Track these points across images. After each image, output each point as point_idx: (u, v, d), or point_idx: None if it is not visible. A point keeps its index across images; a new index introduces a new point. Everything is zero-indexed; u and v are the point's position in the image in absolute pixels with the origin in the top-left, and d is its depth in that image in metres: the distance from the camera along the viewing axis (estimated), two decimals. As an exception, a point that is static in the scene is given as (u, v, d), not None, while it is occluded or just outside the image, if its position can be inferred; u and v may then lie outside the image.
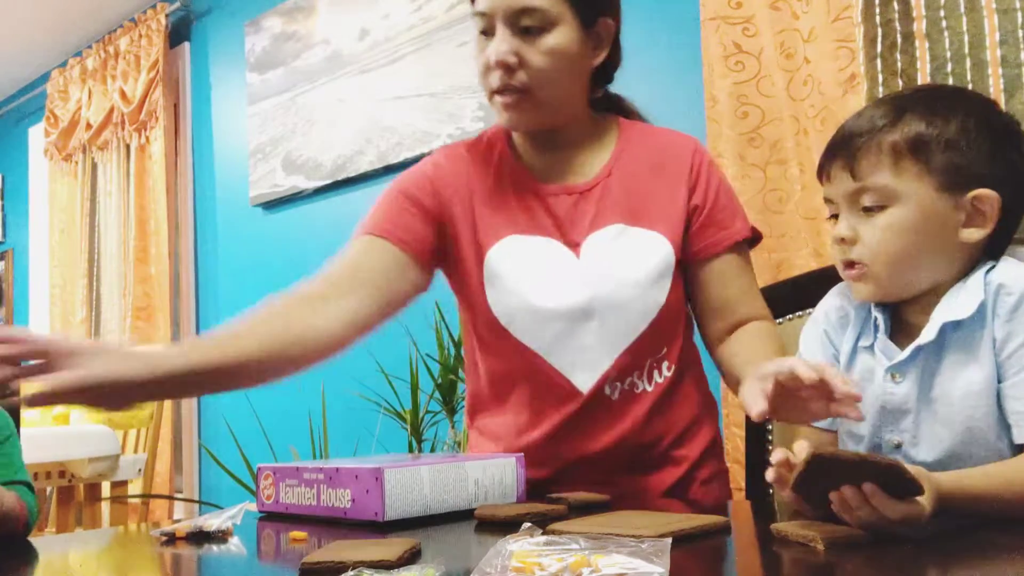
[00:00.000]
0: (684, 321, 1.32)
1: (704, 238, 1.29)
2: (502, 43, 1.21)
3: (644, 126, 1.37)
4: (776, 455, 0.87)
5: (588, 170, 1.31)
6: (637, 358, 1.26)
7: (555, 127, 1.30)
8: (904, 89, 1.10)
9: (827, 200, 1.07)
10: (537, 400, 1.28)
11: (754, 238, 1.33)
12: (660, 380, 1.28)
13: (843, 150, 1.03)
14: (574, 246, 1.28)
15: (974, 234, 1.00)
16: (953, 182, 0.99)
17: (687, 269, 1.31)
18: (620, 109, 1.40)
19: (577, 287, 1.25)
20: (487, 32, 1.23)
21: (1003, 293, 0.97)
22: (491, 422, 1.35)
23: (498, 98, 1.25)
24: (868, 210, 1.01)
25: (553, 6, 1.21)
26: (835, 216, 1.06)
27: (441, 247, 1.32)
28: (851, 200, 1.03)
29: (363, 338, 1.26)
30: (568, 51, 1.23)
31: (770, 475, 0.88)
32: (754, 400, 0.94)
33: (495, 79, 1.23)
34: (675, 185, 1.29)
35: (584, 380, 1.26)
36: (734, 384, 1.27)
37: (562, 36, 1.22)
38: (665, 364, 1.28)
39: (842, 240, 1.04)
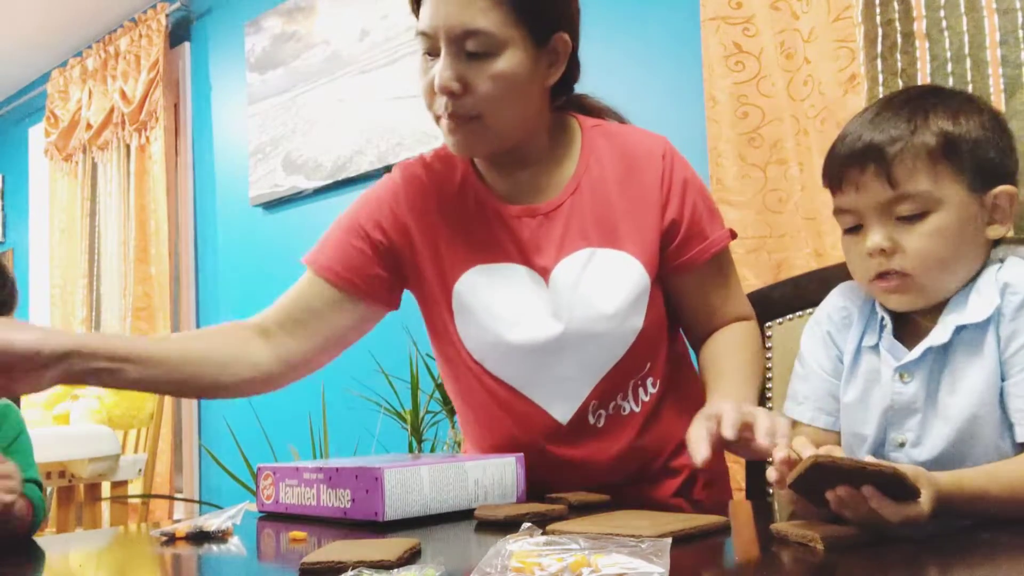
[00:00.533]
0: (667, 332, 1.28)
1: (685, 251, 1.24)
2: (446, 68, 1.12)
3: (608, 127, 1.29)
4: (778, 453, 0.87)
5: (553, 187, 1.25)
6: (617, 382, 1.22)
7: (511, 149, 1.22)
8: (904, 91, 1.08)
9: (844, 211, 1.03)
10: (519, 432, 1.24)
11: (731, 236, 1.28)
12: (647, 398, 1.24)
13: (873, 158, 0.99)
14: (543, 272, 1.22)
15: (998, 231, 1.00)
16: (981, 181, 0.99)
17: (668, 279, 1.26)
18: (583, 108, 1.33)
19: (549, 321, 1.20)
20: (431, 53, 1.15)
21: (1009, 292, 0.97)
22: (481, 447, 1.33)
23: (446, 124, 1.17)
24: (904, 218, 0.99)
25: (501, 29, 1.11)
26: (854, 229, 1.03)
27: (398, 277, 1.29)
28: (885, 209, 0.99)
29: (304, 375, 1.29)
30: (518, 75, 1.14)
31: (771, 474, 0.88)
32: (697, 446, 0.99)
33: (440, 105, 1.16)
34: (646, 197, 1.23)
35: (563, 411, 1.22)
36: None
37: (512, 59, 1.13)
38: (650, 380, 1.24)
39: (881, 251, 1.00)
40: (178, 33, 4.14)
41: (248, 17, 3.70)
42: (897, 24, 1.80)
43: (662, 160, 1.24)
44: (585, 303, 1.20)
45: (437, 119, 1.19)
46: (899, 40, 1.80)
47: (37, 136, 5.04)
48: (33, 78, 5.14)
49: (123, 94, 4.27)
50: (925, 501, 0.80)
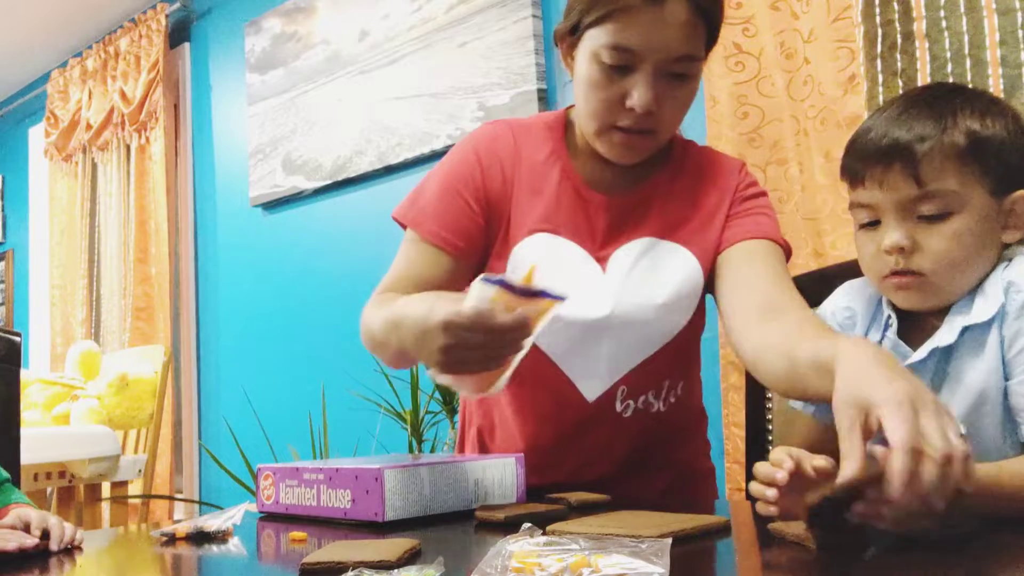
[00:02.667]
0: (699, 350, 1.34)
1: (727, 231, 1.25)
2: (649, 89, 1.14)
3: (695, 144, 1.35)
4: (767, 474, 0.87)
5: (636, 182, 1.28)
6: (649, 376, 1.26)
7: None
8: (926, 89, 1.07)
9: (861, 206, 1.02)
10: (542, 406, 1.28)
11: (786, 250, 1.27)
12: (673, 400, 1.30)
13: (901, 156, 0.97)
14: (603, 259, 1.25)
15: (1015, 235, 1.00)
16: (1003, 184, 0.98)
17: (713, 272, 1.25)
18: None
19: (598, 301, 1.23)
20: (621, 67, 1.15)
21: (1013, 291, 0.97)
22: (494, 428, 1.34)
23: (620, 135, 1.19)
24: (925, 218, 0.98)
25: (701, 53, 1.17)
26: (870, 224, 1.02)
27: (491, 227, 1.28)
28: (907, 207, 0.99)
29: None
30: (695, 94, 1.21)
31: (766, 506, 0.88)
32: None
33: (626, 119, 1.17)
34: (718, 204, 1.26)
35: (591, 389, 1.25)
36: (778, 381, 1.09)
37: (697, 80, 1.19)
38: (681, 384, 1.30)
39: (900, 249, 0.99)
40: (178, 33, 4.14)
41: (248, 17, 3.70)
42: (897, 24, 1.80)
43: (738, 173, 1.29)
44: (636, 290, 1.23)
45: (606, 128, 1.19)
46: (899, 40, 1.79)
47: (37, 136, 5.04)
48: (33, 78, 5.14)
49: (123, 94, 4.26)
50: None
